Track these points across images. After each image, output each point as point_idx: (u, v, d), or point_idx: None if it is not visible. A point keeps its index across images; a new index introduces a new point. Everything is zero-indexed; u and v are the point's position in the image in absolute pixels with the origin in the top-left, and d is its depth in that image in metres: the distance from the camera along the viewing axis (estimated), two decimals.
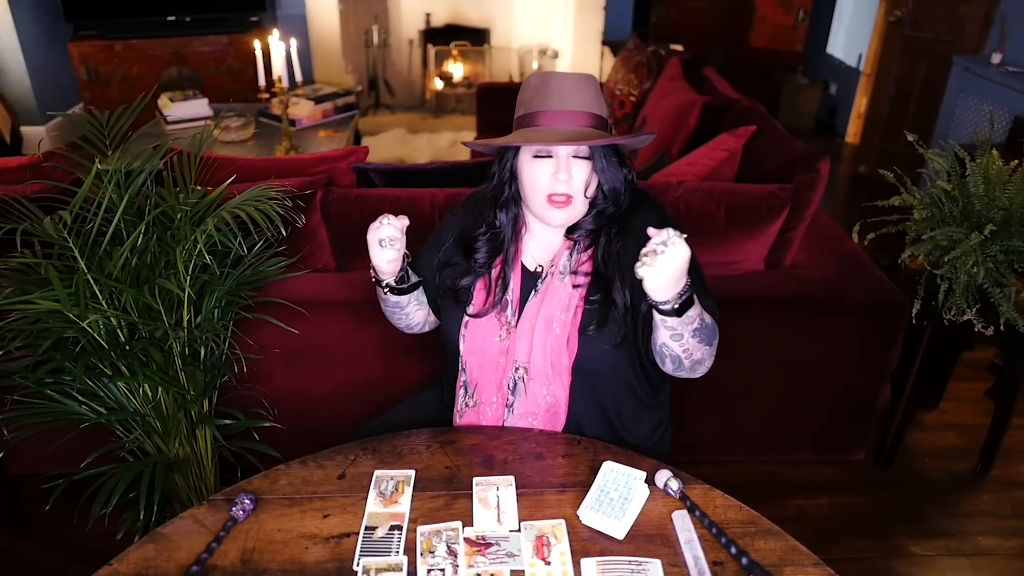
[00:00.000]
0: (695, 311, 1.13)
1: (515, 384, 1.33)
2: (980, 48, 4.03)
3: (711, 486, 1.18)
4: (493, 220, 1.33)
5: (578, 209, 1.25)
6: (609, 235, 1.28)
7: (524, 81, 1.27)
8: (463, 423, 1.38)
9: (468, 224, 1.37)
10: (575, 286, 1.29)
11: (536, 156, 1.23)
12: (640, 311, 1.26)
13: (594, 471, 1.15)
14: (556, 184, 1.22)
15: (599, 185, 1.26)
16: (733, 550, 1.06)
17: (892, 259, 2.10)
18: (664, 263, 1.02)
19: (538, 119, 1.22)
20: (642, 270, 1.02)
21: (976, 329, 1.90)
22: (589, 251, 1.30)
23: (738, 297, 1.96)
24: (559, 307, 1.29)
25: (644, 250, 1.03)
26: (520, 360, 1.31)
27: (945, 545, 2.03)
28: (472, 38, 5.83)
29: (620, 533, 1.08)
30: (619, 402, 1.36)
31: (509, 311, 1.32)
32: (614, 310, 1.26)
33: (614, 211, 1.28)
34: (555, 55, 5.74)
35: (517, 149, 1.26)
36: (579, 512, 1.11)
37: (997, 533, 2.07)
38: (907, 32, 4.48)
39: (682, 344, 1.17)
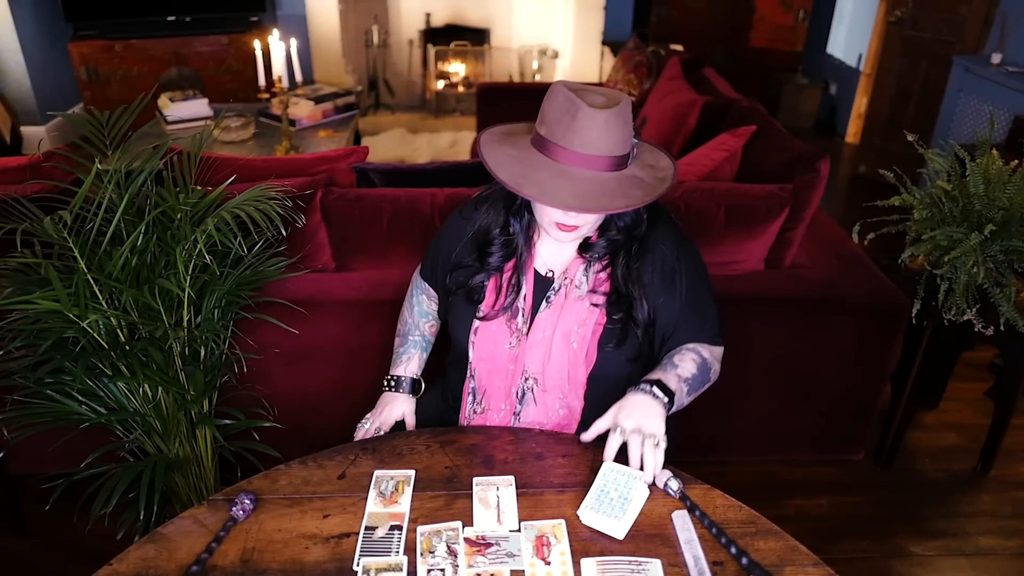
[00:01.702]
0: (676, 383, 1.21)
1: (523, 394, 1.33)
2: (980, 48, 4.03)
3: (711, 486, 1.18)
4: (507, 226, 1.31)
5: (584, 232, 1.23)
6: (629, 253, 1.27)
7: (553, 87, 1.15)
8: None
9: (483, 223, 1.34)
10: (593, 304, 1.28)
11: None
12: (657, 324, 1.29)
13: (594, 471, 1.15)
14: (565, 218, 1.18)
15: (613, 219, 1.25)
16: (733, 550, 1.06)
17: (892, 259, 2.10)
18: (640, 421, 1.15)
19: (556, 154, 1.13)
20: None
21: (976, 329, 1.91)
22: (607, 270, 1.29)
23: (738, 297, 1.96)
24: (576, 322, 1.28)
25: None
26: (531, 371, 1.31)
27: (945, 545, 2.03)
28: (472, 38, 5.83)
29: (620, 533, 1.08)
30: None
31: (520, 319, 1.31)
32: (635, 328, 1.27)
33: (627, 240, 1.27)
34: (555, 55, 5.74)
35: None
36: (579, 512, 1.10)
37: (997, 533, 2.07)
38: (907, 32, 4.48)
39: (683, 405, 1.24)
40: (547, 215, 1.20)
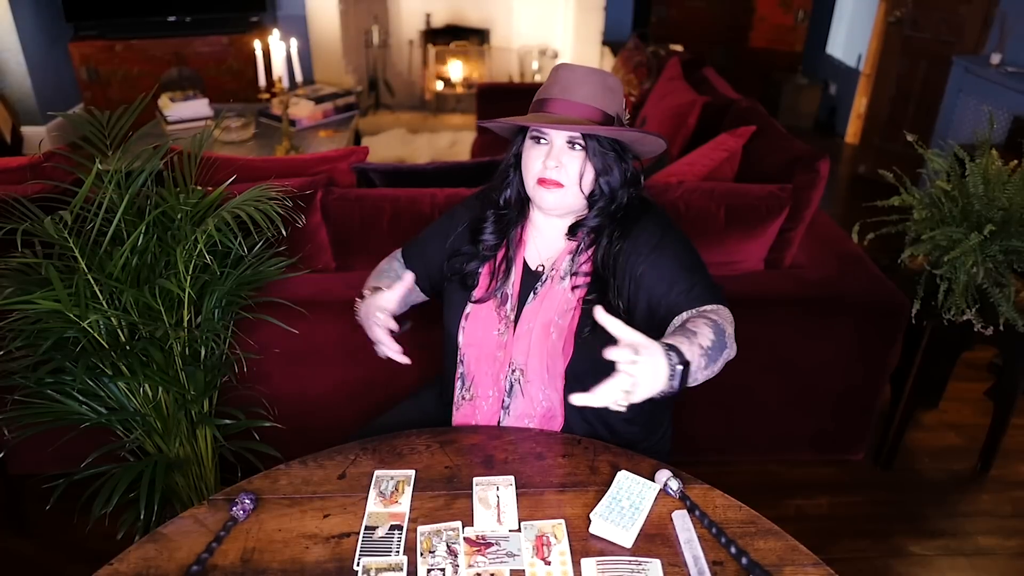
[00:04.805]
0: (696, 359, 1.04)
1: (511, 386, 1.33)
2: (980, 48, 4.03)
3: (711, 486, 1.18)
4: (499, 200, 1.34)
5: (570, 199, 1.26)
6: (611, 237, 1.28)
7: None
8: (459, 416, 1.39)
9: (479, 213, 1.39)
10: (574, 287, 1.29)
11: (532, 138, 1.26)
12: (636, 317, 1.26)
13: (594, 471, 1.15)
14: (546, 170, 1.24)
15: (596, 180, 1.26)
16: (733, 550, 1.06)
17: (892, 259, 2.11)
18: (645, 376, 0.95)
19: (542, 105, 1.25)
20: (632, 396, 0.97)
21: (976, 329, 1.91)
22: (589, 251, 1.31)
23: (738, 297, 1.94)
24: (557, 311, 1.29)
25: (615, 386, 0.96)
26: (518, 362, 1.32)
27: (945, 545, 2.03)
28: (472, 38, 5.83)
29: (628, 542, 1.07)
30: (611, 413, 1.35)
31: (508, 306, 1.33)
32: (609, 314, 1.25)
33: (615, 208, 1.28)
34: (555, 55, 5.74)
35: (524, 135, 1.28)
36: (591, 528, 1.09)
37: (997, 533, 2.07)
38: (907, 32, 4.48)
39: (697, 383, 1.09)
40: (532, 176, 1.25)
